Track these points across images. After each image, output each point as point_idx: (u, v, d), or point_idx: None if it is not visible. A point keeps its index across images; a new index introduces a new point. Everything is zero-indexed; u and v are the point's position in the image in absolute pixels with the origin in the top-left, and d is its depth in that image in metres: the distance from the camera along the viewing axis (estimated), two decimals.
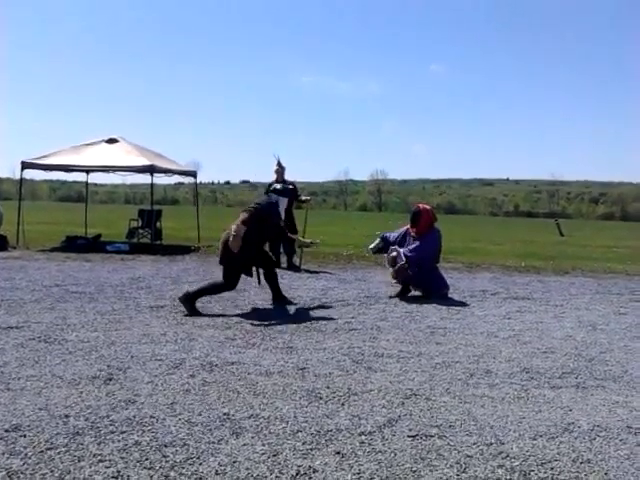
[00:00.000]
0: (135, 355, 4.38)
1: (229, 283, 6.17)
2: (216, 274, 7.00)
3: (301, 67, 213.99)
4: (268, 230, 6.27)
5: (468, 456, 2.83)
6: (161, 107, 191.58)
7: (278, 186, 6.55)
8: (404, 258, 7.25)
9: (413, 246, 7.39)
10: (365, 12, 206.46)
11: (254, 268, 6.39)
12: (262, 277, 6.47)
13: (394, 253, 7.41)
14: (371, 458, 2.77)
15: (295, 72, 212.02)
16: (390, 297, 7.46)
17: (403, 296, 7.49)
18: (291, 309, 6.48)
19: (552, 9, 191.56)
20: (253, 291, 7.17)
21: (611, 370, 4.46)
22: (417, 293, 7.59)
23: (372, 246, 7.89)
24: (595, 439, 3.10)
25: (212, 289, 6.24)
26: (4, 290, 6.96)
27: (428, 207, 7.86)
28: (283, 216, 6.53)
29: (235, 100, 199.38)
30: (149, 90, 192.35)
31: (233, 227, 5.92)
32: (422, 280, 7.49)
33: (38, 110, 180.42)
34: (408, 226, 7.72)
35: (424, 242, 7.41)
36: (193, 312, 5.92)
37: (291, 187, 6.57)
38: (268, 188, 10.32)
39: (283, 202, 6.42)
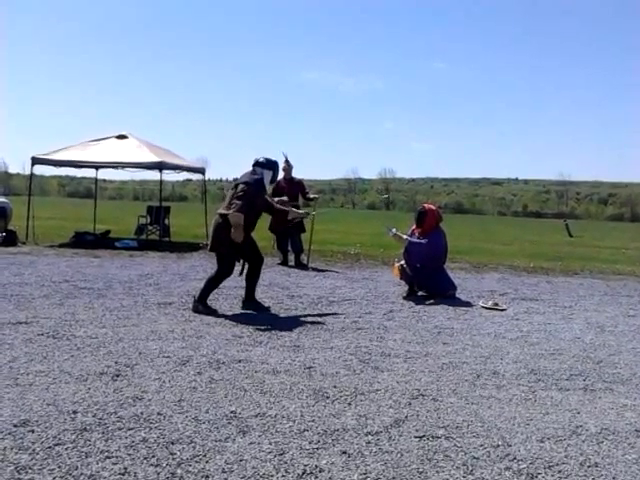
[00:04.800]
0: (143, 352, 4.39)
1: (225, 269, 6.04)
2: None
3: (306, 64, 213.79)
4: (258, 207, 6.12)
5: (475, 458, 2.82)
6: (170, 104, 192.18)
7: (261, 159, 6.28)
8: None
9: (417, 243, 7.44)
10: (370, 8, 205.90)
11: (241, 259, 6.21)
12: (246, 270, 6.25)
13: (402, 261, 7.49)
14: (377, 458, 2.77)
15: (300, 69, 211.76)
16: (399, 297, 7.45)
17: (410, 296, 7.48)
18: (291, 310, 6.48)
19: (560, 4, 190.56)
20: (260, 289, 7.17)
21: (619, 373, 4.43)
22: (424, 293, 7.57)
23: (394, 230, 7.68)
24: (603, 442, 3.09)
25: (211, 284, 6.08)
26: (13, 285, 7.00)
27: (434, 207, 7.84)
28: (269, 190, 6.34)
29: (243, 97, 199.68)
30: (158, 87, 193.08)
31: (229, 217, 5.79)
32: (427, 281, 7.47)
33: (49, 107, 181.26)
34: (414, 227, 7.72)
35: (427, 243, 7.38)
36: (210, 311, 5.90)
37: (273, 160, 6.30)
38: (277, 187, 10.41)
39: (268, 175, 6.24)
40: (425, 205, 7.88)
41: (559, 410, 3.56)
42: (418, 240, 7.47)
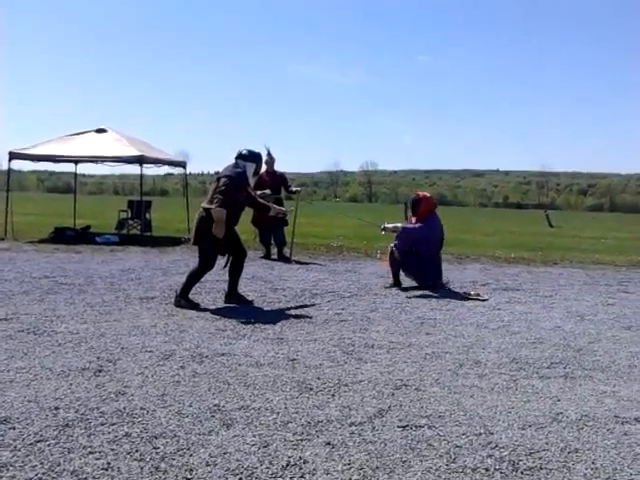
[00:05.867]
0: (125, 347, 4.36)
1: (206, 263, 5.99)
2: None
3: (291, 57, 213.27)
4: (241, 201, 6.05)
5: (457, 446, 2.85)
6: (150, 97, 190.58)
7: (244, 151, 6.17)
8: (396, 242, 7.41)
9: (410, 227, 7.51)
10: (355, 2, 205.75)
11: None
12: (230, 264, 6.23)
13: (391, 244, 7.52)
14: (361, 448, 2.79)
15: (284, 62, 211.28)
16: (382, 288, 7.47)
17: (394, 287, 7.51)
18: (274, 304, 6.47)
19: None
20: (243, 282, 7.15)
21: (599, 360, 4.50)
22: (409, 284, 7.59)
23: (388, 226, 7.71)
24: (583, 429, 3.13)
25: (193, 278, 6.03)
26: None
27: (428, 194, 7.91)
28: (252, 183, 6.30)
29: (225, 90, 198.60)
30: (139, 80, 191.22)
31: (212, 212, 5.75)
32: (417, 267, 7.47)
33: (26, 100, 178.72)
34: (410, 215, 7.82)
35: (421, 227, 7.45)
36: (193, 305, 5.87)
37: (257, 152, 6.24)
38: (259, 180, 10.36)
39: (251, 167, 6.14)
40: (419, 192, 7.95)
41: (540, 398, 3.60)
42: (412, 225, 7.55)
